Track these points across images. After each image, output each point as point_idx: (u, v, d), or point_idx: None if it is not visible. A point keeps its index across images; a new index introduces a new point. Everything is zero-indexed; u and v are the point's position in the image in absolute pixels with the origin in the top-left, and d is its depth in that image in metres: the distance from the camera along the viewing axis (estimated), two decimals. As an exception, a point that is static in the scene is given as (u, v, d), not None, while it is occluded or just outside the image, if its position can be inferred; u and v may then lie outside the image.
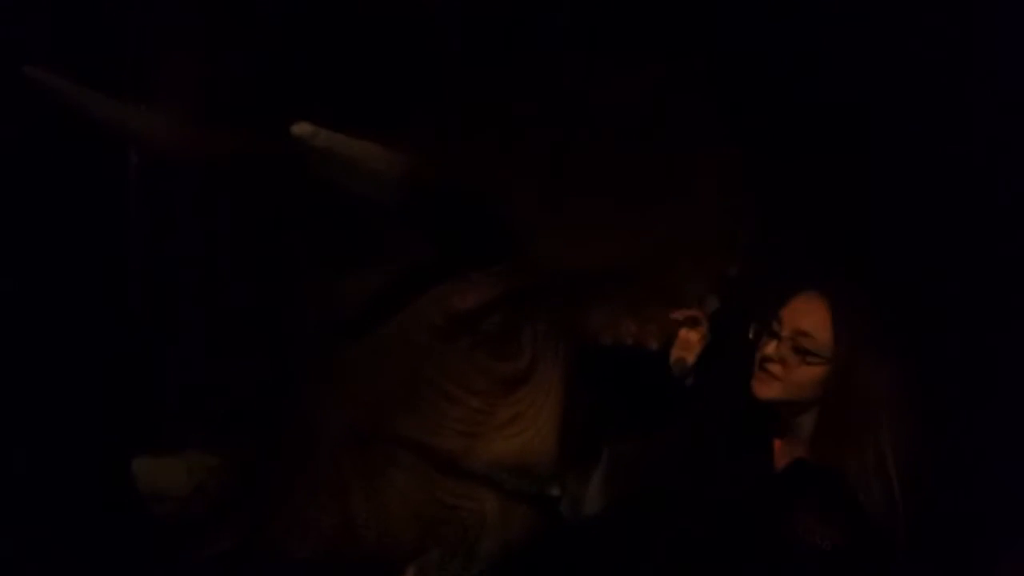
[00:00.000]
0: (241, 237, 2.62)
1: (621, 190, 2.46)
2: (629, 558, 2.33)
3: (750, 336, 2.28)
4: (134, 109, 2.37)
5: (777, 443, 2.26)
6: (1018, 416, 2.44)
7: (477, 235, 2.32)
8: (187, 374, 2.64)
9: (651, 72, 2.51)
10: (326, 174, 2.20)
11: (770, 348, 2.20)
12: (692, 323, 2.35)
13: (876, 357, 2.13)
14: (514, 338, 2.41)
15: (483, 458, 2.37)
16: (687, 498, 2.28)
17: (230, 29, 2.53)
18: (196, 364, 2.62)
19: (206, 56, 2.49)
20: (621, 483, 2.49)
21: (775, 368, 2.21)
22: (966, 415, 2.37)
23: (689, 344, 2.35)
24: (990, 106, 2.37)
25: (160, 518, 2.16)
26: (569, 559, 2.44)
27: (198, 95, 2.39)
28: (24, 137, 2.53)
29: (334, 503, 2.21)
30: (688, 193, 2.51)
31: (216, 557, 2.13)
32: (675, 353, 2.36)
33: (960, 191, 2.39)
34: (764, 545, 2.10)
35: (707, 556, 2.17)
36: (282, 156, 2.21)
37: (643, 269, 2.47)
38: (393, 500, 2.27)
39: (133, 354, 2.68)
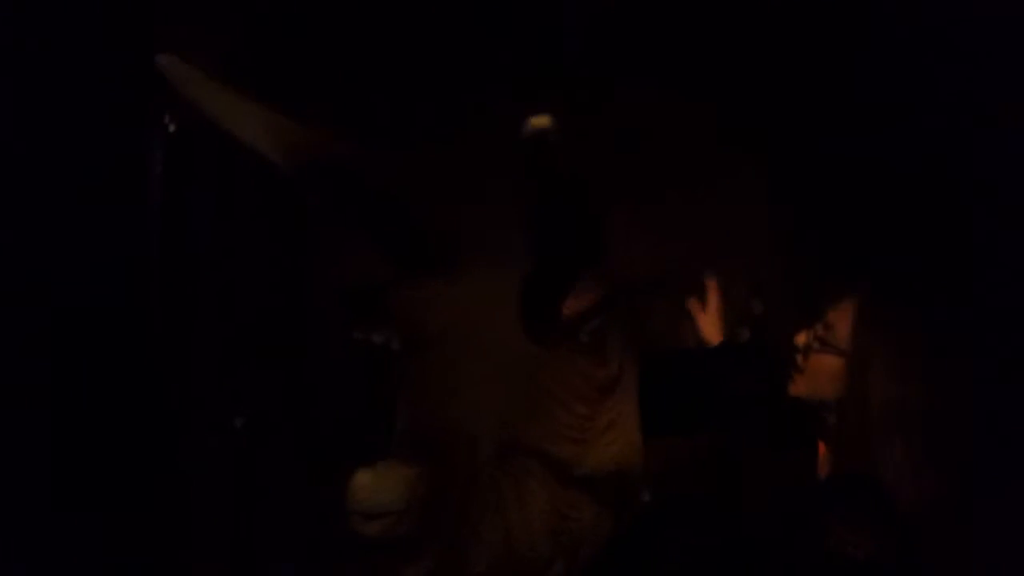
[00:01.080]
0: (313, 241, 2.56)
1: (674, 198, 2.56)
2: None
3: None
4: (257, 109, 2.14)
5: (821, 448, 2.35)
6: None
7: (580, 240, 2.27)
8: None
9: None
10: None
11: (800, 338, 2.29)
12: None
13: (899, 367, 2.16)
14: (603, 345, 2.39)
15: (590, 465, 2.33)
16: (730, 505, 2.35)
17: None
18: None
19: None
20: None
21: (800, 360, 2.31)
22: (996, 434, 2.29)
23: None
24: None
25: (370, 537, 1.90)
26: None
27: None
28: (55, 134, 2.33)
29: (497, 517, 2.09)
30: (729, 200, 2.62)
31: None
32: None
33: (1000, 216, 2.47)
34: (803, 554, 2.14)
35: (746, 565, 2.21)
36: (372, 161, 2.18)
37: (696, 272, 2.54)
38: (533, 512, 2.18)
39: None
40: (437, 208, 2.32)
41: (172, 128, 2.54)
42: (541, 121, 1.97)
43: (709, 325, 2.43)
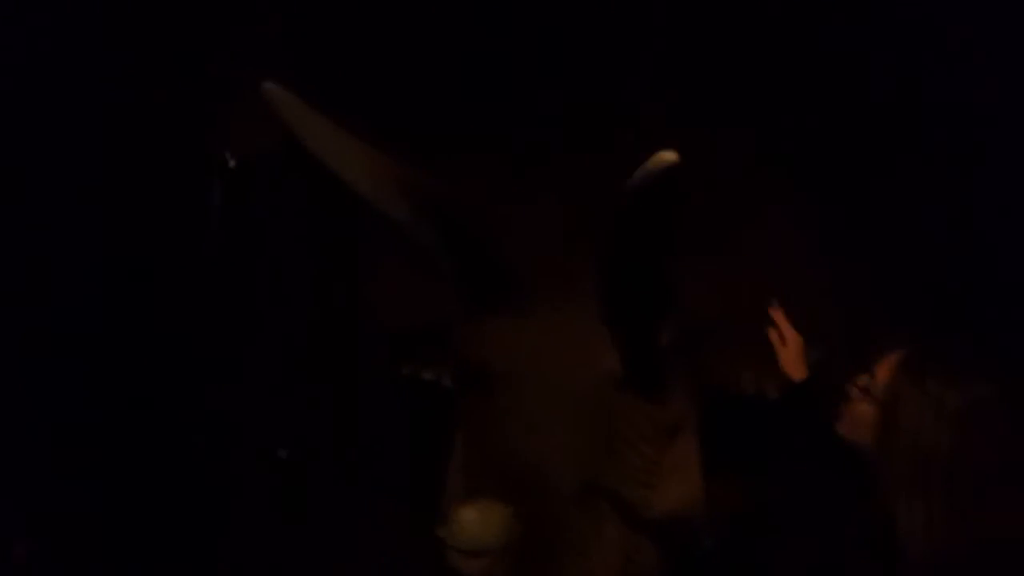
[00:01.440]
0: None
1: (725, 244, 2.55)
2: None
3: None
4: (360, 146, 2.10)
5: None
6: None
7: (651, 289, 2.23)
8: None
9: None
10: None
11: (848, 386, 2.29)
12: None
13: (935, 416, 2.05)
14: (667, 387, 2.37)
15: (657, 509, 2.30)
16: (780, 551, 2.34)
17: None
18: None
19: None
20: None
21: (843, 406, 2.31)
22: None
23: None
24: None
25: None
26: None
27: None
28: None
29: (580, 559, 2.04)
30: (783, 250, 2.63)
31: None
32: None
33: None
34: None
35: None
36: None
37: (754, 319, 2.52)
38: (612, 555, 2.13)
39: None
40: (506, 243, 2.28)
41: (232, 162, 2.53)
42: (668, 157, 1.84)
43: (791, 357, 2.40)
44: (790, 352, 2.40)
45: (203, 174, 2.57)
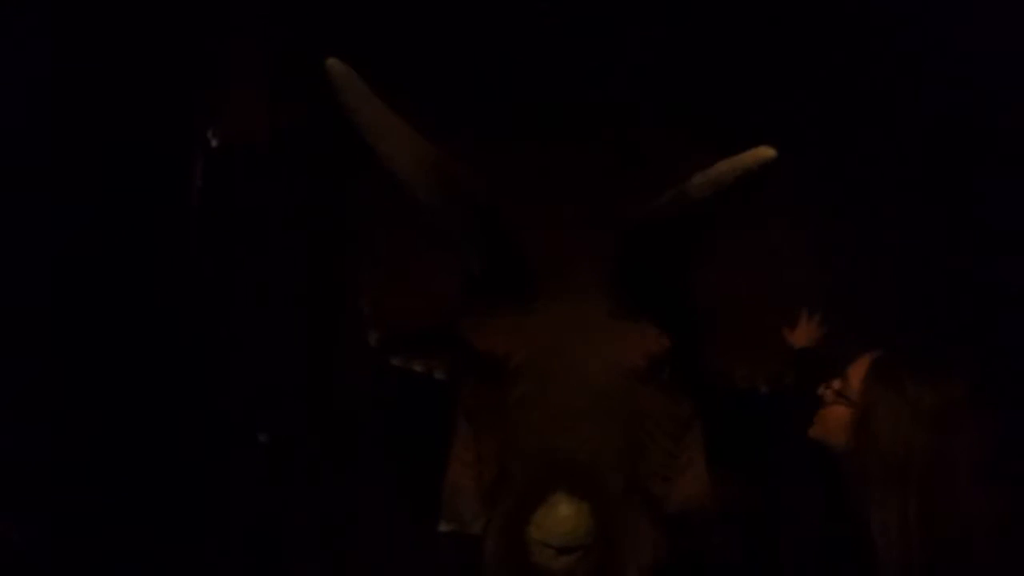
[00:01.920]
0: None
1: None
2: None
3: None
4: (411, 134, 2.04)
5: None
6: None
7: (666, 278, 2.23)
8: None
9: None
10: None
11: (820, 389, 2.33)
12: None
13: (911, 418, 2.10)
14: (677, 381, 2.37)
15: (677, 504, 2.31)
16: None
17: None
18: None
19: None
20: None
21: (817, 409, 2.39)
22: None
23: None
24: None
25: (556, 573, 1.79)
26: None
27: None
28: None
29: (635, 556, 2.02)
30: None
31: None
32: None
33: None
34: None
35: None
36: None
37: (748, 313, 2.54)
38: (648, 553, 2.11)
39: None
40: (521, 230, 2.22)
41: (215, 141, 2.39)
42: (767, 153, 1.81)
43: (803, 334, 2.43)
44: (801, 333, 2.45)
45: (188, 153, 2.41)
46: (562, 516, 1.86)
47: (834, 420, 2.26)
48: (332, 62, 1.95)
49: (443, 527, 2.40)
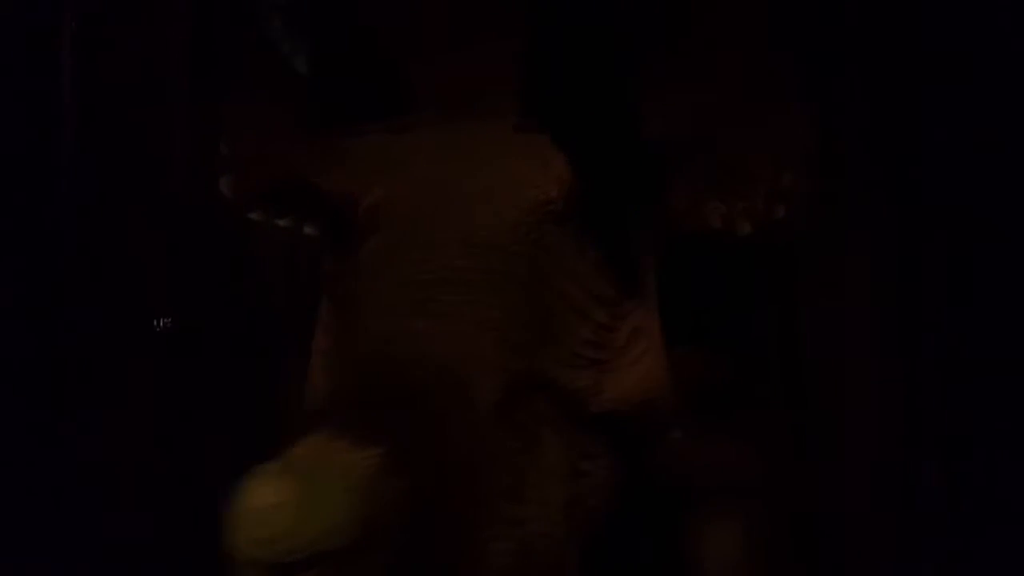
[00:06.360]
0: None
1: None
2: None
3: None
4: None
5: None
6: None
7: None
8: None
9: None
10: None
11: None
12: None
13: None
14: (618, 228, 1.70)
15: (610, 395, 1.66)
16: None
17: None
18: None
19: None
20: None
21: None
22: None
23: None
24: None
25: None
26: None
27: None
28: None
29: (510, 508, 1.44)
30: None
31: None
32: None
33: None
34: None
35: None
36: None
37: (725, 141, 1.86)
38: (552, 480, 1.51)
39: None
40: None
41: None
42: None
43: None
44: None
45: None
46: (257, 508, 1.10)
47: None
48: None
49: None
